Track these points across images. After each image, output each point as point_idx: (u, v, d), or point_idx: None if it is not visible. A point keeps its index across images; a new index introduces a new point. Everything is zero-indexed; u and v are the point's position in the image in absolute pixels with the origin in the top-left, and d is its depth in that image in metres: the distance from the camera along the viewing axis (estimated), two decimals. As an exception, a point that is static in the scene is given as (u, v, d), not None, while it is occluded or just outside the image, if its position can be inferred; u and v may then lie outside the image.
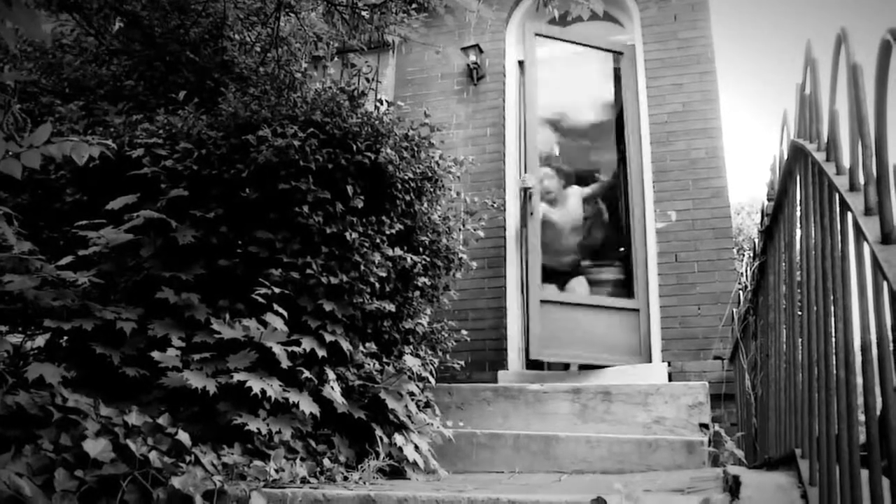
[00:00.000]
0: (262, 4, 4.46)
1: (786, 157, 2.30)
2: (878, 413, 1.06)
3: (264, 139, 3.03)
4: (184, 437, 2.16)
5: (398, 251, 3.23)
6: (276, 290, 2.75)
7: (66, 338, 2.76)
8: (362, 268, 3.06)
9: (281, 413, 2.59)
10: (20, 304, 2.46)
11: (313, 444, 2.71)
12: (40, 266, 2.45)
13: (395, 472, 2.91)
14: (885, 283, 1.00)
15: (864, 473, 1.14)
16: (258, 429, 2.42)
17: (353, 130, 3.19)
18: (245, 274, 2.92)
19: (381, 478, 2.75)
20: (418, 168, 3.48)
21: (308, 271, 2.92)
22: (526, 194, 5.29)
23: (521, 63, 6.01)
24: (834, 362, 1.36)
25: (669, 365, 4.84)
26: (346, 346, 2.91)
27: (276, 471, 2.33)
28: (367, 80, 4.17)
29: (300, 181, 2.98)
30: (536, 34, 5.63)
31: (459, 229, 3.97)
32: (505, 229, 5.41)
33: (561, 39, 5.75)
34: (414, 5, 4.35)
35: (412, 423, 3.14)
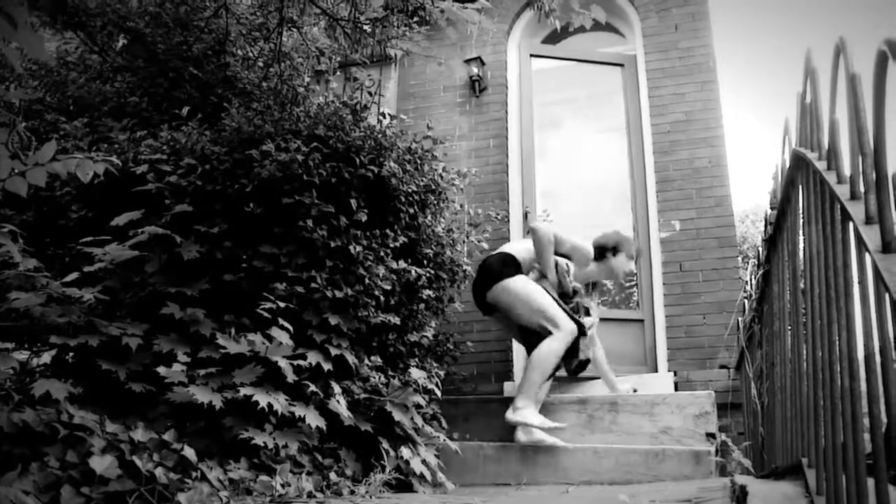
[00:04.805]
0: (264, 20, 4.49)
1: (788, 165, 2.30)
2: (883, 421, 1.06)
3: (268, 154, 3.05)
4: (190, 452, 2.16)
5: (402, 264, 3.23)
6: (282, 305, 2.75)
7: (71, 354, 2.76)
8: (367, 281, 3.06)
9: (287, 427, 2.59)
10: (26, 320, 2.47)
11: (320, 457, 2.71)
12: (46, 283, 2.46)
13: (402, 485, 2.91)
14: (886, 292, 1.00)
15: (871, 482, 1.13)
16: (264, 443, 2.42)
17: (356, 144, 3.20)
18: (250, 288, 2.92)
19: (387, 491, 2.74)
20: (421, 181, 3.49)
21: (313, 285, 2.92)
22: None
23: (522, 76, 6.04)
24: (838, 371, 1.36)
25: (675, 374, 4.82)
26: (351, 359, 2.91)
27: (283, 485, 2.33)
28: (370, 93, 4.18)
29: (304, 195, 2.99)
30: (532, 55, 5.73)
31: (463, 241, 3.98)
32: (509, 241, 5.41)
33: (557, 58, 5.83)
34: (416, 19, 4.37)
35: (418, 435, 3.14)
